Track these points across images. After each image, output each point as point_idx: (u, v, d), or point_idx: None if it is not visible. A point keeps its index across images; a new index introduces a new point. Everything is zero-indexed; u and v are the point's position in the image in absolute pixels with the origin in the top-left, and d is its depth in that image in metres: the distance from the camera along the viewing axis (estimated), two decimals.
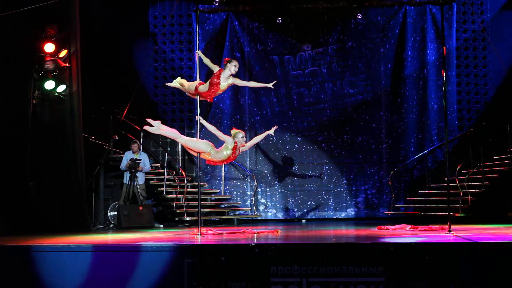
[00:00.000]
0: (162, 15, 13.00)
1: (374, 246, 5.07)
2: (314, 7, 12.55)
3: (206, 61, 7.22)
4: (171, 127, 12.55)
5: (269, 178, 12.67)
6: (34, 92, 8.77)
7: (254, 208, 12.36)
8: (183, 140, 7.16)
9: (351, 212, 12.46)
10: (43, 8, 8.24)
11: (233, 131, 7.15)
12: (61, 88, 8.83)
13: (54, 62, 8.78)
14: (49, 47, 8.80)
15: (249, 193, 12.60)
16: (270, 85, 7.09)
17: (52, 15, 8.71)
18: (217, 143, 7.35)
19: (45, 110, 8.88)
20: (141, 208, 9.66)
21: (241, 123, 12.67)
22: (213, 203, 11.99)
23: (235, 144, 7.04)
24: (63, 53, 8.88)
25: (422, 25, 12.49)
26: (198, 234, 6.77)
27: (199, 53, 7.25)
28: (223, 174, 12.13)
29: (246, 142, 7.20)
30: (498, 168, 10.38)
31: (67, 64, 8.87)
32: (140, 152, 10.60)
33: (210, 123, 12.19)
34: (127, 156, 10.36)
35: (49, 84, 8.73)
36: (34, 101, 8.74)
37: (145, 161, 10.47)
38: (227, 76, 6.97)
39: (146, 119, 7.07)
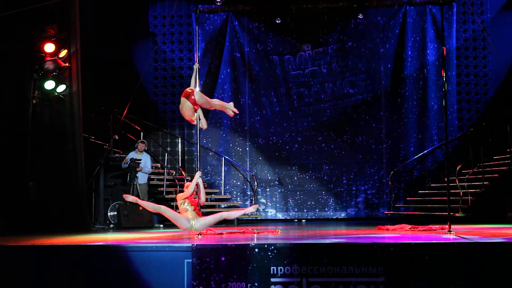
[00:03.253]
0: (162, 15, 13.01)
1: (374, 246, 5.07)
2: (314, 7, 12.58)
3: (193, 79, 6.85)
4: (171, 127, 12.84)
5: (269, 178, 12.67)
6: (34, 92, 8.74)
7: None
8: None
9: (351, 212, 12.46)
10: (43, 8, 8.24)
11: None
12: (61, 88, 8.82)
13: (54, 62, 8.76)
14: (49, 47, 8.78)
15: (249, 193, 12.59)
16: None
17: (52, 15, 8.70)
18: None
19: (45, 110, 8.86)
20: (141, 208, 9.64)
21: (241, 123, 12.68)
22: (213, 203, 11.98)
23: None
24: (63, 53, 8.86)
25: (422, 25, 12.50)
26: (198, 234, 6.77)
27: (196, 68, 6.92)
28: (223, 174, 12.13)
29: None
30: (498, 168, 10.37)
31: (67, 64, 8.86)
32: (143, 153, 10.62)
33: (210, 123, 12.56)
34: (130, 156, 10.40)
35: (49, 84, 8.72)
36: (34, 101, 8.72)
37: (146, 162, 10.45)
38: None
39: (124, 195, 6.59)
